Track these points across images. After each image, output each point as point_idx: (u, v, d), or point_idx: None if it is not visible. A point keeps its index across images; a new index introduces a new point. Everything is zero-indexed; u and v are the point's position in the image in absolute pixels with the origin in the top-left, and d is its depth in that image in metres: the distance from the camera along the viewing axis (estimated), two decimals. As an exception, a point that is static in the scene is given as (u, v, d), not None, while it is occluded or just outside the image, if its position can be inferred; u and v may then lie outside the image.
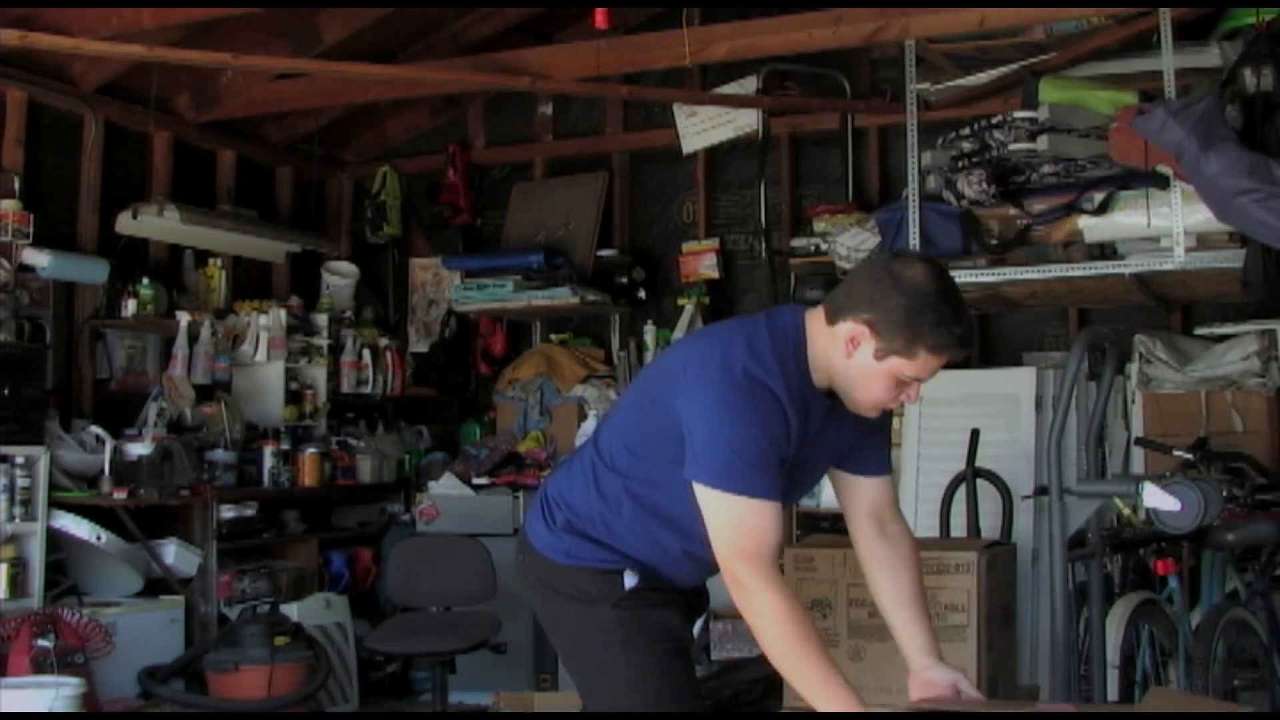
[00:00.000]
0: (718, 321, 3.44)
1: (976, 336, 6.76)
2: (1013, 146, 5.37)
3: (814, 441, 2.67)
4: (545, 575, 2.82)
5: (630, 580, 2.73)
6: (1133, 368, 5.88)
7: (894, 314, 2.52)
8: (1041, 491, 4.25)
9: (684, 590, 2.86)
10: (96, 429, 5.83)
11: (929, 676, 2.72)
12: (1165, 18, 5.15)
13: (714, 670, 5.07)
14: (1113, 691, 4.08)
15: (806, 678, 2.47)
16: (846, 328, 2.58)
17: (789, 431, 2.57)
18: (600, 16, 5.85)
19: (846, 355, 2.59)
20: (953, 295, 2.55)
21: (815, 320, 2.65)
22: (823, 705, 2.45)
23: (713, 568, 2.67)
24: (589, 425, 6.81)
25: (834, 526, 5.95)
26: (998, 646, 2.99)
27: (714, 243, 7.25)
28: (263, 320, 6.69)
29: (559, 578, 2.78)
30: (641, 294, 7.29)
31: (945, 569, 2.88)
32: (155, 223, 6.40)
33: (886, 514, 2.85)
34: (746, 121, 7.02)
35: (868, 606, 2.76)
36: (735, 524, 2.52)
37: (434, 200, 7.71)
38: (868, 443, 2.82)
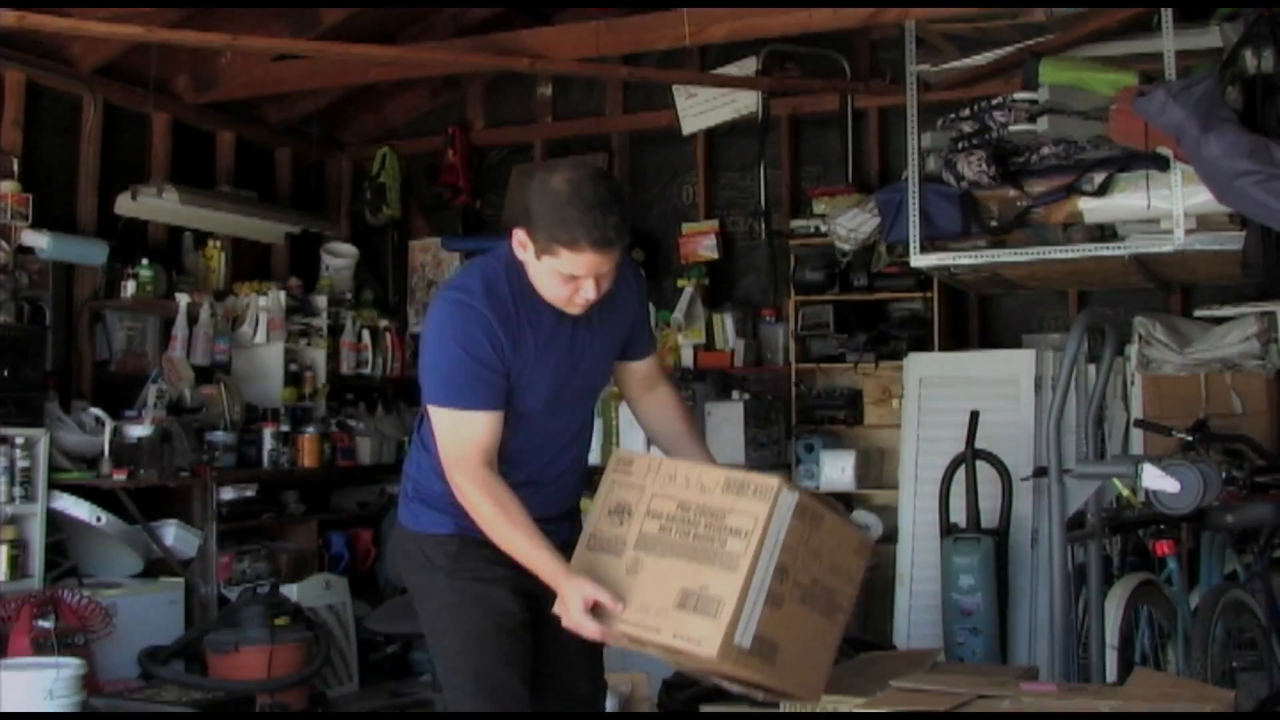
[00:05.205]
0: None
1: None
2: (1013, 128, 5.36)
3: (558, 347, 2.92)
4: (403, 544, 3.09)
5: (459, 543, 2.94)
6: (1132, 349, 5.89)
7: (538, 218, 2.77)
8: (1041, 473, 4.26)
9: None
10: (96, 410, 5.83)
11: None
12: (1166, -2, 5.15)
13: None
14: (1111, 672, 4.09)
15: (520, 552, 2.80)
16: (516, 235, 2.85)
17: (503, 343, 2.83)
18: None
19: (522, 259, 2.85)
20: (585, 194, 2.73)
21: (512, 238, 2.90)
22: (532, 564, 2.81)
23: (550, 489, 3.02)
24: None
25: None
26: (799, 618, 2.73)
27: (713, 224, 7.23)
28: (262, 302, 6.69)
29: (413, 546, 3.05)
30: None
31: (744, 490, 2.70)
32: (154, 204, 6.39)
33: (655, 379, 3.20)
34: (746, 103, 7.00)
35: (660, 520, 2.78)
36: (449, 434, 2.84)
37: (433, 182, 7.70)
38: (633, 336, 3.13)
